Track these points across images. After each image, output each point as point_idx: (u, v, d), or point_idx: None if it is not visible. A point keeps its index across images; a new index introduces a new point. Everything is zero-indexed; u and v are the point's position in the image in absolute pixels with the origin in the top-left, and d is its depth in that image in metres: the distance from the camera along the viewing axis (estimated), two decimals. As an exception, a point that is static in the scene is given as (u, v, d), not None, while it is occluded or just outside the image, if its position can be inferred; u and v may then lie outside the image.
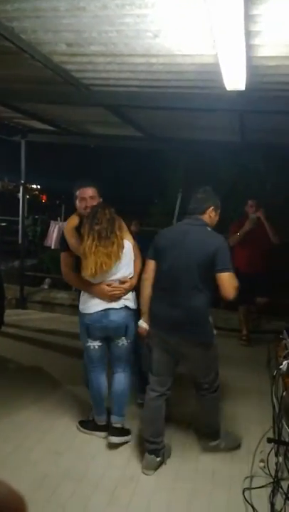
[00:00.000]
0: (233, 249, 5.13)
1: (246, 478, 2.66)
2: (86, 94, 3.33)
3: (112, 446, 2.90)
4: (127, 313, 2.86)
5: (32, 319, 5.70)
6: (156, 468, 2.72)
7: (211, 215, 2.79)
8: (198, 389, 2.89)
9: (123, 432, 2.95)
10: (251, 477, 2.66)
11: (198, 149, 5.66)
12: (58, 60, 2.75)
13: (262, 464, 2.74)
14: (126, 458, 2.83)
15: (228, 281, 2.56)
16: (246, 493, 2.52)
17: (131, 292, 2.91)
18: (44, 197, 21.39)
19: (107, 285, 2.79)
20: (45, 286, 6.74)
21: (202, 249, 2.59)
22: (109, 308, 2.82)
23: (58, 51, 2.58)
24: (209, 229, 2.75)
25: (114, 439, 2.88)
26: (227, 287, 2.57)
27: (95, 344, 2.88)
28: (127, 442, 2.96)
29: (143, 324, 2.82)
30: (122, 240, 2.77)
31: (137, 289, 2.91)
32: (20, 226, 6.21)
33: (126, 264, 2.84)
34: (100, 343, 2.89)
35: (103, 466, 2.74)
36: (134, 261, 2.94)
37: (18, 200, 6.25)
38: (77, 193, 2.96)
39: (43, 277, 6.95)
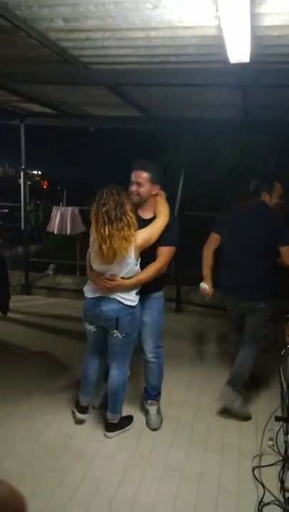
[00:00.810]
0: None
1: (255, 456, 2.68)
2: (84, 73, 3.23)
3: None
4: (119, 307, 2.65)
5: (37, 305, 5.71)
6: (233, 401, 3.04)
7: (265, 198, 3.22)
8: (246, 337, 3.25)
9: (118, 426, 2.93)
10: (260, 455, 2.68)
11: (201, 128, 5.54)
12: (55, 37, 2.65)
13: (271, 443, 2.76)
14: (136, 439, 2.85)
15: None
16: (256, 471, 2.54)
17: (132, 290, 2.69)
18: (45, 183, 21.32)
19: (101, 275, 2.63)
20: (50, 272, 6.72)
21: (265, 225, 3.05)
22: (100, 298, 2.68)
23: (55, 27, 2.49)
24: (268, 208, 3.17)
25: (108, 435, 2.89)
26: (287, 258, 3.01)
27: (90, 328, 2.84)
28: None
29: (204, 285, 3.34)
30: (131, 233, 2.49)
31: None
32: (22, 212, 6.16)
33: (128, 262, 2.57)
34: (95, 329, 2.83)
35: (113, 448, 2.76)
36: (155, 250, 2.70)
37: (20, 186, 6.19)
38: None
39: (47, 263, 6.94)
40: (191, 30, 2.39)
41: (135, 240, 2.52)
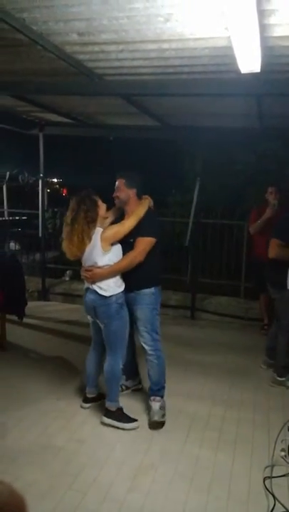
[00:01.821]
0: (253, 238, 5.07)
1: (267, 467, 2.64)
2: (100, 84, 3.32)
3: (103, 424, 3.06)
4: (96, 297, 2.96)
5: (54, 311, 5.79)
6: None
7: None
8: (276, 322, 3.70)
9: (114, 415, 3.04)
10: (272, 466, 2.64)
11: (216, 137, 5.57)
12: (70, 50, 2.74)
13: (283, 453, 2.72)
14: (146, 446, 2.85)
15: None
16: (267, 481, 2.51)
17: (111, 279, 2.94)
18: (65, 190, 21.64)
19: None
20: (66, 278, 6.81)
21: None
22: (87, 289, 3.06)
23: (70, 41, 2.57)
24: None
25: (102, 418, 3.07)
26: None
27: (89, 318, 3.15)
28: (119, 428, 3.03)
29: None
30: (88, 230, 2.87)
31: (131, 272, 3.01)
32: (40, 219, 6.28)
33: (95, 254, 2.90)
34: (91, 319, 3.14)
35: (124, 454, 2.77)
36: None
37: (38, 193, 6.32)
38: None
39: (64, 269, 7.03)
40: (202, 41, 2.43)
41: (103, 233, 2.89)
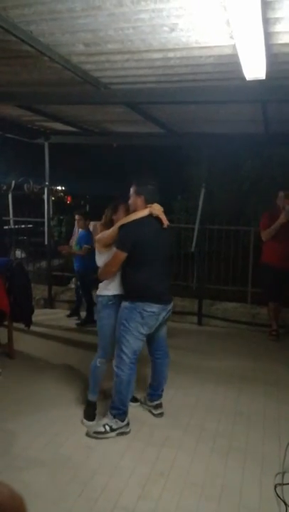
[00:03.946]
0: (264, 244, 5.04)
1: (278, 474, 2.62)
2: (106, 93, 3.36)
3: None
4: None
5: (60, 318, 5.80)
6: None
7: None
8: None
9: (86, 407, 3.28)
10: (283, 473, 2.62)
11: (221, 143, 5.59)
12: (77, 61, 2.78)
13: (294, 460, 2.70)
14: (156, 454, 2.84)
15: None
16: (278, 488, 2.49)
17: (104, 281, 3.14)
18: (69, 198, 21.75)
19: None
20: (72, 286, 6.83)
21: None
22: None
23: (76, 51, 2.61)
24: None
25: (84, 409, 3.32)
26: None
27: None
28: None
29: None
30: (99, 232, 3.19)
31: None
32: (46, 227, 6.32)
33: (96, 254, 3.21)
34: None
35: (133, 462, 2.76)
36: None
37: (43, 202, 6.36)
38: None
39: (69, 277, 7.06)
40: (207, 50, 2.46)
41: (97, 236, 3.17)
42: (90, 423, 3.14)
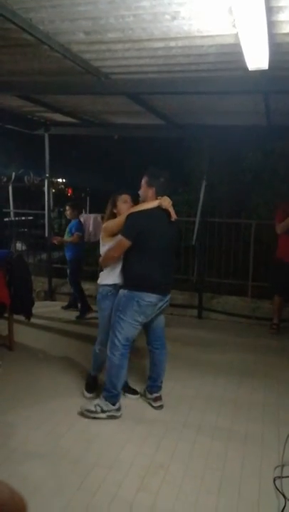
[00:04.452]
0: (278, 237, 5.01)
1: (277, 466, 2.63)
2: (106, 83, 3.31)
3: None
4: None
5: (60, 310, 5.80)
6: None
7: None
8: None
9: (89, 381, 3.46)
10: (282, 466, 2.62)
11: (223, 135, 5.54)
12: (77, 50, 2.74)
13: (293, 453, 2.70)
14: (155, 446, 2.85)
15: None
16: (277, 481, 2.49)
17: (104, 270, 3.24)
18: (70, 190, 21.65)
19: None
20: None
21: None
22: None
23: (76, 40, 2.57)
24: None
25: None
26: None
27: None
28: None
29: None
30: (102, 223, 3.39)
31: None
32: (46, 219, 6.29)
33: (100, 243, 3.29)
34: None
35: (133, 454, 2.76)
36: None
37: (44, 194, 6.33)
38: None
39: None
40: (209, 39, 2.42)
41: (103, 225, 3.27)
42: (90, 394, 3.40)
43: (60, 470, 2.58)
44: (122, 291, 3.07)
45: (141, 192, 3.12)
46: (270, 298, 5.38)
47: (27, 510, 0.82)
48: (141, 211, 2.99)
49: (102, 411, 3.09)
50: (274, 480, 2.51)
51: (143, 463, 2.67)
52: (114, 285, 3.17)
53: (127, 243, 2.97)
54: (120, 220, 3.05)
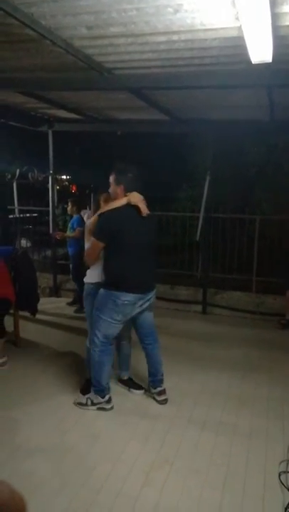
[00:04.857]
0: None
1: (282, 461, 2.62)
2: (109, 79, 3.30)
3: None
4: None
5: (65, 306, 5.81)
6: None
7: None
8: None
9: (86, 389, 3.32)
10: (287, 461, 2.62)
11: (226, 130, 5.50)
12: (79, 45, 2.72)
13: (298, 448, 2.70)
14: (160, 441, 2.85)
15: None
16: (282, 476, 2.49)
17: (90, 270, 3.25)
18: (74, 187, 21.66)
19: None
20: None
21: None
22: None
23: (78, 35, 2.55)
24: None
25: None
26: None
27: None
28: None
29: None
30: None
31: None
32: (50, 216, 6.30)
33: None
34: None
35: (138, 449, 2.77)
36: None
37: (48, 190, 6.33)
38: None
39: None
40: (212, 32, 2.39)
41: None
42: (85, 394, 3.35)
43: (65, 466, 2.60)
44: (100, 290, 3.07)
45: (110, 190, 3.09)
46: (274, 293, 5.35)
47: (27, 509, 0.82)
48: (110, 210, 2.96)
49: (93, 403, 3.18)
50: (279, 475, 2.51)
51: (148, 458, 2.68)
52: (96, 283, 3.17)
53: (99, 244, 2.98)
54: (95, 219, 3.04)
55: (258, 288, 5.98)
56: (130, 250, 2.99)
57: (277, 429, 2.99)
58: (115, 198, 3.03)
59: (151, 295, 3.17)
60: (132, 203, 2.94)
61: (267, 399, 3.40)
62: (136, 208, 2.96)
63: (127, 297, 2.97)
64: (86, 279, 3.30)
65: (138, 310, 3.12)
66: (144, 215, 2.99)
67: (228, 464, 2.63)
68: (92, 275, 3.23)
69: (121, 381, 3.56)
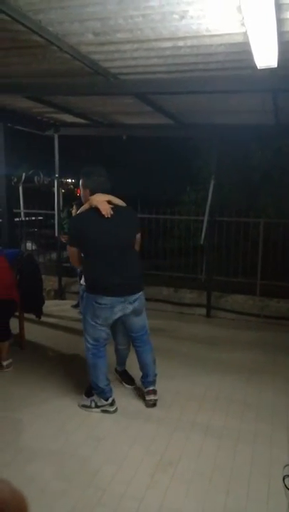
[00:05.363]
0: None
1: (286, 465, 2.62)
2: (115, 84, 3.33)
3: None
4: None
5: (70, 309, 5.83)
6: None
7: None
8: None
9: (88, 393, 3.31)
10: (292, 465, 2.62)
11: (231, 134, 5.52)
12: (86, 51, 2.76)
13: (303, 452, 2.69)
14: (164, 444, 2.86)
15: None
16: (286, 480, 2.48)
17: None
18: (79, 190, 21.79)
19: None
20: (82, 277, 6.85)
21: None
22: None
23: (85, 41, 2.59)
24: None
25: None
26: None
27: None
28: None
29: None
30: None
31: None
32: (56, 219, 6.34)
33: None
34: None
35: (142, 452, 2.78)
36: None
37: (54, 194, 6.37)
38: None
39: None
40: (218, 38, 2.42)
41: None
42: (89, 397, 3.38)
43: (69, 468, 2.61)
44: (85, 293, 3.12)
45: (81, 194, 3.13)
46: (278, 296, 5.34)
47: (28, 509, 0.83)
48: (76, 215, 3.07)
49: (96, 406, 3.21)
50: (283, 479, 2.50)
51: (152, 461, 2.68)
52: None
53: (71, 248, 3.06)
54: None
55: (262, 291, 5.99)
56: (100, 253, 2.95)
57: (281, 433, 2.99)
58: (85, 202, 3.05)
59: (134, 299, 3.06)
60: (93, 206, 2.94)
61: (271, 403, 3.40)
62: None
63: (104, 300, 2.95)
64: (81, 281, 3.37)
65: (120, 314, 3.05)
66: (107, 215, 2.91)
67: (232, 468, 2.63)
68: (84, 277, 3.28)
69: (116, 371, 3.67)
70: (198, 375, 3.87)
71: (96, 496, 2.37)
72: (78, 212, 3.07)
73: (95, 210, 2.93)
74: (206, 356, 4.33)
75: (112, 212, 2.94)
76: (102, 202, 2.94)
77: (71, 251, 3.08)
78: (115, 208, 2.97)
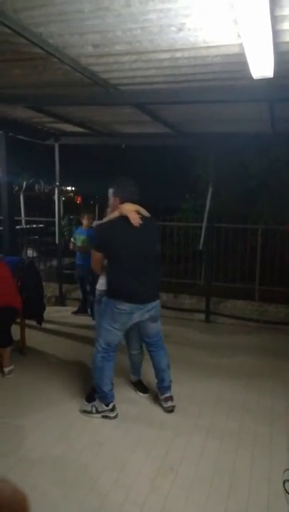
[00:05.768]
0: None
1: (286, 470, 2.63)
2: (114, 94, 3.39)
3: None
4: None
5: (71, 315, 5.86)
6: None
7: None
8: None
9: (90, 397, 3.35)
10: (292, 469, 2.63)
11: (228, 143, 5.60)
12: (85, 62, 2.82)
13: (302, 456, 2.71)
14: (165, 449, 2.87)
15: None
16: (287, 484, 2.50)
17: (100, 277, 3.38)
18: (79, 198, 21.87)
19: None
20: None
21: None
22: None
23: (85, 53, 2.65)
24: None
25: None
26: None
27: None
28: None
29: None
30: None
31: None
32: (56, 227, 6.39)
33: None
34: None
35: (143, 456, 2.79)
36: None
37: (54, 202, 6.43)
38: None
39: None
40: (214, 49, 2.48)
41: None
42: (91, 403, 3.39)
43: (70, 473, 2.62)
44: (103, 298, 3.19)
45: (110, 203, 3.21)
46: (277, 302, 5.38)
47: (29, 508, 0.85)
48: (105, 222, 3.11)
49: (97, 411, 3.22)
50: (283, 483, 2.52)
51: (153, 466, 2.70)
52: (104, 291, 3.27)
53: (96, 253, 3.17)
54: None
55: (261, 297, 6.03)
56: (124, 261, 3.02)
57: (281, 437, 3.01)
58: (114, 210, 3.11)
59: (152, 306, 3.15)
60: (123, 215, 3.00)
61: (271, 407, 3.42)
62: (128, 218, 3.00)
63: (123, 306, 3.01)
64: (97, 286, 3.44)
65: (137, 320, 3.13)
66: (137, 225, 2.99)
67: (233, 472, 2.65)
68: (101, 283, 3.36)
69: (131, 382, 3.68)
70: (198, 380, 3.89)
71: (97, 500, 2.39)
72: (106, 219, 3.11)
73: (124, 219, 3.01)
74: (206, 361, 4.35)
75: (140, 222, 3.03)
76: (132, 211, 3.02)
77: (96, 256, 3.19)
78: (142, 218, 3.07)
